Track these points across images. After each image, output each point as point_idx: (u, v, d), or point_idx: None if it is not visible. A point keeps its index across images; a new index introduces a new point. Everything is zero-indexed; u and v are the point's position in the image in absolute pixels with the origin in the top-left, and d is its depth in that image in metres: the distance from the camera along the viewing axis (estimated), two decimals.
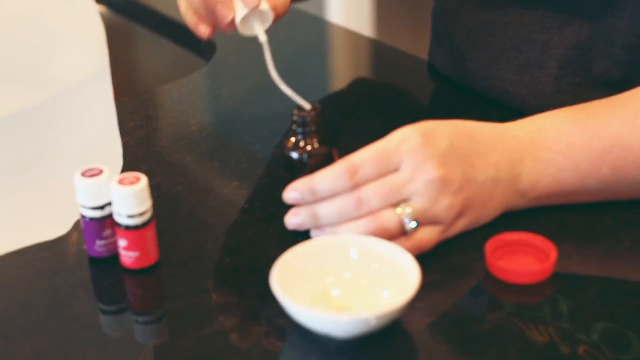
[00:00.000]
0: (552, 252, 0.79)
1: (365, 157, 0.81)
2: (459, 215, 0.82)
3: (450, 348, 0.72)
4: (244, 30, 0.93)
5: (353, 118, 1.11)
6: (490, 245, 0.80)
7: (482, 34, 1.08)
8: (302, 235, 0.85)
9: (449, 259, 0.82)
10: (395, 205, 0.80)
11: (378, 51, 1.35)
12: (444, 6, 1.14)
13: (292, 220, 0.83)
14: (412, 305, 0.76)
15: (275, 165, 0.89)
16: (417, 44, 1.36)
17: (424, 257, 0.81)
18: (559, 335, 0.73)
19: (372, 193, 0.80)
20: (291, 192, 0.83)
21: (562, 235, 0.84)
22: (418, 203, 0.80)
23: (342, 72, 1.27)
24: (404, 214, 0.80)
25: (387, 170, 0.80)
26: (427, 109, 1.17)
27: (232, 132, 1.10)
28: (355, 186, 0.80)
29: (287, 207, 0.84)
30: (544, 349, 0.71)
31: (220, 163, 0.99)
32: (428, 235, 0.81)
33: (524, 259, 0.80)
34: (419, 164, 0.80)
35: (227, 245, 0.86)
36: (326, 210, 0.81)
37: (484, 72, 1.09)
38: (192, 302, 0.78)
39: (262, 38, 0.92)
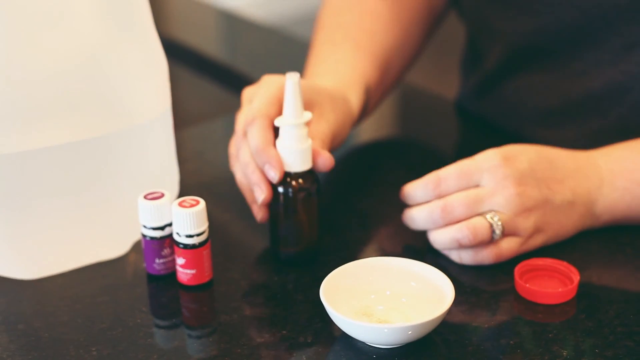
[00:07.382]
0: (576, 276, 0.86)
1: (449, 171, 0.90)
2: (537, 230, 0.90)
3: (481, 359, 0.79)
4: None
5: (376, 169, 1.16)
6: (519, 269, 0.87)
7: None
8: (347, 253, 0.92)
9: (481, 281, 0.89)
10: (482, 214, 0.88)
11: (403, 93, 1.37)
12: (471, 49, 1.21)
13: (405, 220, 0.93)
14: (448, 320, 0.82)
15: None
16: (443, 85, 1.39)
17: (459, 279, 0.88)
18: (580, 351, 0.79)
19: (456, 202, 0.88)
20: (401, 193, 0.93)
21: (585, 262, 0.91)
22: (502, 214, 0.88)
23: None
24: (494, 221, 0.87)
25: (468, 185, 0.89)
26: (455, 151, 1.21)
27: None
28: (439, 197, 0.89)
29: (332, 232, 0.92)
30: None
31: None
32: (509, 245, 0.89)
33: (549, 282, 0.87)
34: (499, 181, 0.88)
35: (275, 265, 0.92)
36: (417, 214, 0.91)
37: (506, 118, 1.15)
38: (243, 316, 0.85)
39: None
